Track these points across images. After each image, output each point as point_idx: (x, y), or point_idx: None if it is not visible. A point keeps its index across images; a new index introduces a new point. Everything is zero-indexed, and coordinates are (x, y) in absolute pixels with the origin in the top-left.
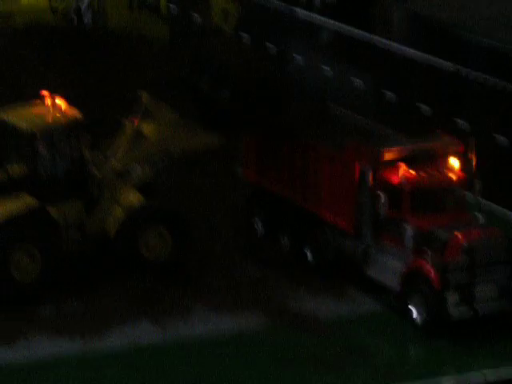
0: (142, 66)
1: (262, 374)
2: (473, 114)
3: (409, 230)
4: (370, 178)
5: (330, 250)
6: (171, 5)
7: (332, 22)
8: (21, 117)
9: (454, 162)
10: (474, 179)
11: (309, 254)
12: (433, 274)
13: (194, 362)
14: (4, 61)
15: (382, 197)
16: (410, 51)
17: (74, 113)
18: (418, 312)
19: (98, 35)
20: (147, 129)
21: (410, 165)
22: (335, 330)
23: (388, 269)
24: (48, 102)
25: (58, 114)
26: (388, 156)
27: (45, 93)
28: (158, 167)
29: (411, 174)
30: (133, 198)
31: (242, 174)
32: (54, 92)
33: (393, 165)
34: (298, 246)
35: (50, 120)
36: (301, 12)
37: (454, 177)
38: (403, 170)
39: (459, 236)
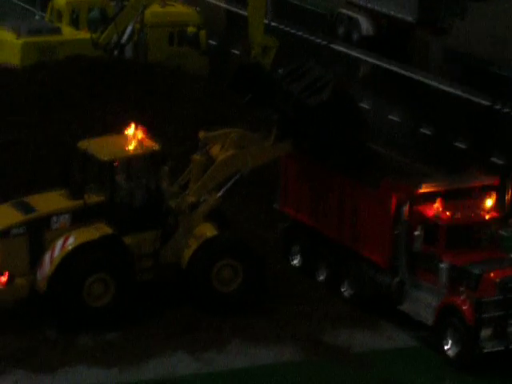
0: (183, 98)
1: None
2: (508, 150)
3: (444, 266)
4: (406, 212)
5: (366, 284)
6: (211, 41)
7: (369, 57)
8: (100, 147)
9: (489, 200)
10: (509, 217)
11: (344, 288)
12: (467, 309)
13: None
14: (46, 91)
15: (418, 232)
16: (447, 86)
17: (152, 145)
18: (452, 346)
19: (138, 68)
20: (215, 152)
21: (445, 201)
22: (370, 364)
23: (422, 303)
24: (128, 133)
25: (136, 145)
26: (424, 191)
27: (127, 126)
28: (226, 190)
29: (447, 210)
30: (206, 229)
31: (279, 207)
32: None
33: (429, 200)
34: (334, 280)
35: (128, 150)
36: (339, 46)
37: (488, 214)
38: (439, 205)
39: (493, 273)
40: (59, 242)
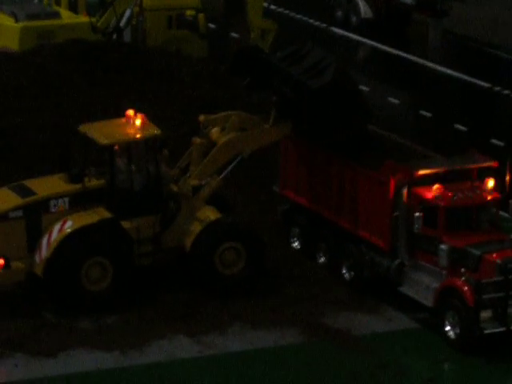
0: (182, 81)
1: None
2: (507, 132)
3: (444, 248)
4: (405, 195)
5: (365, 266)
6: (210, 24)
7: (368, 39)
8: (100, 131)
9: (489, 181)
10: (509, 198)
11: (344, 271)
12: (467, 291)
13: (227, 376)
14: (45, 75)
15: (417, 214)
16: (446, 68)
17: (152, 129)
18: (452, 328)
19: (137, 51)
20: (215, 135)
21: (445, 183)
22: (370, 346)
23: (422, 285)
24: (128, 118)
25: (136, 130)
26: (423, 174)
27: (129, 111)
28: (228, 174)
29: (446, 192)
30: (210, 213)
31: (278, 190)
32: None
33: (428, 183)
34: (334, 263)
35: (128, 134)
36: (338, 30)
37: (488, 196)
38: (439, 188)
39: (493, 254)
40: (57, 226)
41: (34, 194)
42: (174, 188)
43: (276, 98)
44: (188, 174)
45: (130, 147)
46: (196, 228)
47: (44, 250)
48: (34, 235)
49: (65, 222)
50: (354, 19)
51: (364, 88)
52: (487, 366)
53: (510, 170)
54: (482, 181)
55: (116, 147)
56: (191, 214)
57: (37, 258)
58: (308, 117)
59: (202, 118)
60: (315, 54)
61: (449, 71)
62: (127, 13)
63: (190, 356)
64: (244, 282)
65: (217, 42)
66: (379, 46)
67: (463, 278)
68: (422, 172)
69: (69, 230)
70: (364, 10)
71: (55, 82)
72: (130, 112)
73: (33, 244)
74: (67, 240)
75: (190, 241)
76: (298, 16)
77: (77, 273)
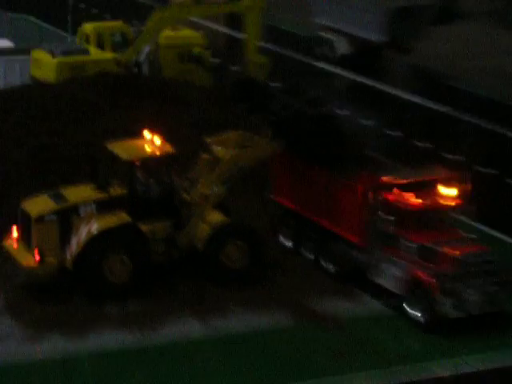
0: (191, 107)
1: (287, 363)
2: (462, 149)
3: (412, 245)
4: (373, 200)
5: (346, 261)
6: (214, 59)
7: (345, 72)
8: (123, 148)
9: (448, 189)
10: (467, 204)
11: (327, 265)
12: (431, 282)
13: (231, 353)
14: (77, 102)
15: (388, 217)
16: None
17: (167, 147)
18: (419, 313)
19: (153, 82)
20: (220, 153)
21: (412, 191)
22: (349, 327)
23: (393, 277)
24: (147, 137)
25: (153, 147)
26: (388, 183)
27: (146, 131)
28: (231, 185)
29: (413, 198)
30: (217, 217)
31: (270, 197)
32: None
33: (397, 190)
34: (320, 258)
35: (146, 151)
36: (320, 64)
37: (448, 201)
38: (407, 195)
39: (454, 250)
40: (85, 228)
41: (66, 200)
42: (185, 196)
43: (273, 119)
44: (197, 185)
45: (147, 162)
46: (206, 230)
47: (74, 248)
48: (66, 235)
49: (92, 225)
50: (331, 55)
51: (342, 112)
52: (448, 345)
53: (468, 180)
54: (444, 189)
55: (136, 162)
56: (202, 218)
57: (68, 255)
58: (302, 137)
59: (208, 139)
60: (312, 92)
61: (413, 98)
62: (145, 50)
63: (199, 336)
64: (245, 275)
65: (219, 73)
66: (354, 77)
67: (428, 271)
68: (387, 180)
69: (95, 232)
70: (340, 47)
71: (85, 107)
72: (148, 133)
73: (64, 242)
74: (93, 240)
75: (201, 240)
76: (288, 53)
77: (101, 267)
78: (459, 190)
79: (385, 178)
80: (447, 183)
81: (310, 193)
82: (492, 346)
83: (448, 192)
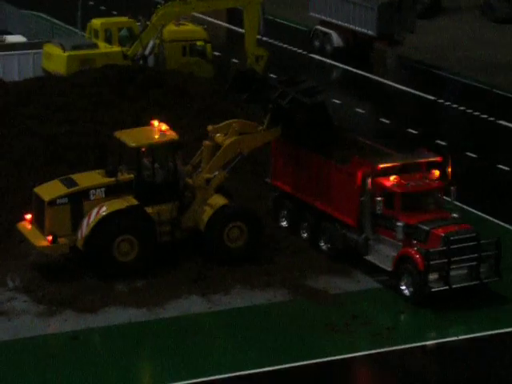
0: (194, 97)
1: (285, 335)
2: (448, 134)
3: (400, 224)
4: (369, 183)
5: (339, 240)
6: (215, 52)
7: (340, 63)
8: (130, 136)
9: (434, 172)
10: (450, 186)
11: (322, 244)
12: (418, 258)
13: (231, 325)
14: (87, 93)
15: (379, 199)
16: (400, 85)
17: (171, 134)
18: (407, 287)
19: (158, 74)
20: (221, 139)
21: (401, 174)
22: (342, 302)
23: (383, 254)
24: (153, 126)
25: (159, 135)
26: (383, 167)
27: (153, 121)
28: (231, 169)
29: (402, 181)
30: (219, 199)
31: (270, 181)
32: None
33: (387, 174)
34: (314, 237)
35: (152, 139)
36: (315, 56)
37: (434, 184)
38: (395, 178)
39: (438, 229)
40: (95, 210)
41: (77, 185)
42: (189, 181)
43: (272, 107)
44: (200, 170)
45: (153, 149)
46: (209, 212)
47: (84, 229)
48: (77, 217)
49: (101, 207)
50: (328, 48)
51: (337, 101)
52: (434, 316)
53: (450, 163)
54: (430, 172)
55: (142, 149)
56: (204, 201)
57: (79, 235)
58: (298, 124)
59: (209, 127)
60: (308, 82)
61: (403, 87)
62: (151, 44)
63: (201, 311)
64: (245, 253)
65: (221, 65)
66: (349, 68)
67: (415, 248)
68: (382, 165)
69: (104, 214)
70: (336, 40)
71: (94, 98)
72: (154, 121)
73: (75, 224)
74: (102, 221)
75: (204, 222)
76: (285, 45)
77: (110, 247)
78: (441, 173)
79: (382, 164)
80: (434, 166)
81: (306, 177)
82: (473, 317)
83: (435, 174)
